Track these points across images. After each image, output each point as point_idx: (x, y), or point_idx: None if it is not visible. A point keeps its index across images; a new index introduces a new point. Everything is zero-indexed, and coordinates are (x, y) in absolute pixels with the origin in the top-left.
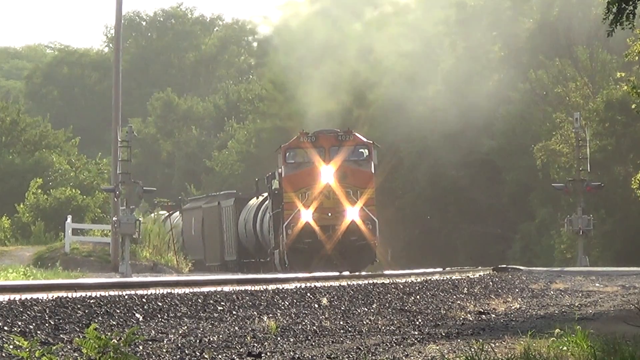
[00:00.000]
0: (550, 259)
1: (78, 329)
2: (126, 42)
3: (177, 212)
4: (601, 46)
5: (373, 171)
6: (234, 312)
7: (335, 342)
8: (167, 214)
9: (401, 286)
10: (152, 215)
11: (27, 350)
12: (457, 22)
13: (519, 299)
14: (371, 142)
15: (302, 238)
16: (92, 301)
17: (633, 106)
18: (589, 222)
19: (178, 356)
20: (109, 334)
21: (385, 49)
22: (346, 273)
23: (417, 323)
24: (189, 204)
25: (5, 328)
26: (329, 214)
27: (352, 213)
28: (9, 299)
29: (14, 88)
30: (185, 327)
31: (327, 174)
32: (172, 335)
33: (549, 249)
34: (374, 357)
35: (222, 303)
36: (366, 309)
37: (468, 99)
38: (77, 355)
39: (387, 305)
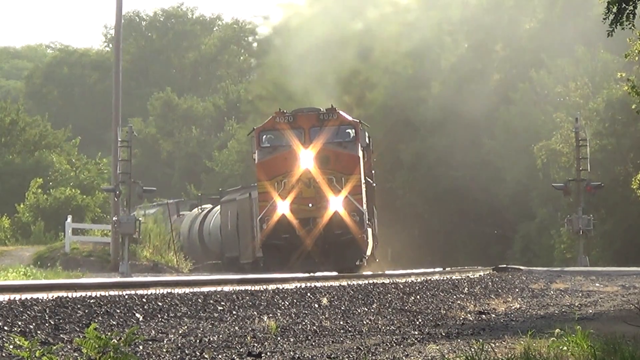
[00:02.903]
0: (550, 259)
1: (78, 329)
2: (126, 42)
3: (219, 206)
4: (602, 46)
5: (360, 155)
6: (234, 312)
7: (335, 342)
8: (211, 207)
9: (401, 286)
10: (196, 209)
11: (28, 350)
12: (459, 21)
13: (519, 299)
14: (358, 121)
15: (278, 233)
16: (92, 301)
17: (633, 106)
18: (589, 222)
19: (178, 356)
20: (109, 333)
21: (385, 48)
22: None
23: (417, 323)
24: (227, 196)
25: (6, 328)
26: (310, 205)
27: (336, 203)
28: (9, 299)
29: (14, 88)
30: (185, 327)
31: (306, 158)
32: (172, 335)
33: (549, 249)
34: (374, 357)
35: (222, 303)
36: (366, 309)
37: (468, 99)
38: (77, 355)
39: (387, 305)
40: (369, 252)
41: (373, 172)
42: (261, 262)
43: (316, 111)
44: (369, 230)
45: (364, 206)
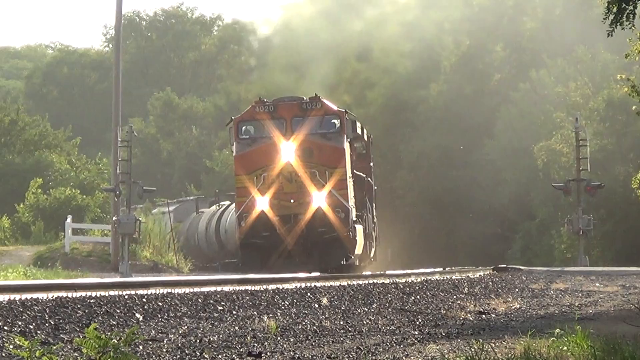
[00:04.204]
0: (550, 259)
1: (78, 329)
2: (126, 42)
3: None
4: (602, 46)
5: (345, 147)
6: (234, 312)
7: (335, 342)
8: (228, 204)
9: (401, 286)
10: (214, 206)
11: (28, 350)
12: (460, 21)
13: (519, 299)
14: (344, 110)
15: (256, 231)
16: (92, 301)
17: (633, 107)
18: (589, 222)
19: (178, 356)
20: (109, 333)
21: (385, 48)
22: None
23: (417, 323)
24: None
25: (6, 328)
26: (291, 201)
27: (319, 199)
28: (9, 299)
29: (14, 88)
30: (186, 327)
31: (287, 151)
32: (172, 335)
33: (549, 249)
34: (374, 357)
35: (222, 303)
36: (366, 309)
37: (469, 98)
38: (77, 355)
39: (387, 305)
40: (358, 251)
41: (371, 164)
42: (239, 262)
43: (298, 100)
44: (358, 228)
45: (350, 202)
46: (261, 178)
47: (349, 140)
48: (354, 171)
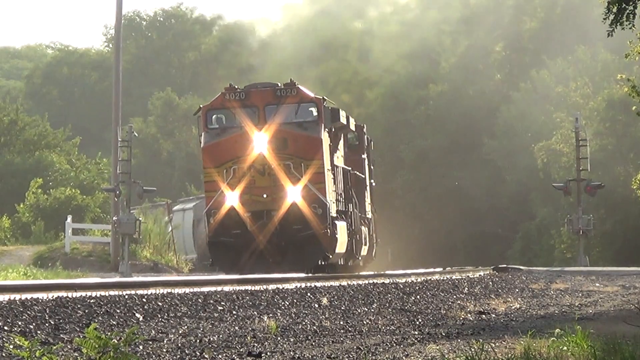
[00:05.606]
0: (550, 259)
1: (78, 329)
2: (126, 42)
3: None
4: (602, 46)
5: (323, 137)
6: (234, 312)
7: (336, 342)
8: None
9: (401, 286)
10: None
11: (28, 350)
12: (460, 21)
13: (519, 299)
14: (321, 97)
15: (226, 228)
16: (92, 301)
17: (634, 108)
18: (589, 222)
19: (178, 356)
20: (109, 333)
21: (385, 48)
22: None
23: (417, 323)
24: None
25: (6, 328)
26: (264, 195)
27: (294, 193)
28: (9, 299)
29: (14, 88)
30: (186, 327)
31: (260, 141)
32: (172, 335)
33: (549, 249)
34: (374, 357)
35: (222, 303)
36: (366, 309)
37: (469, 98)
38: (77, 355)
39: (387, 305)
40: (341, 250)
41: (364, 156)
42: (209, 262)
43: (272, 87)
44: (340, 225)
45: (329, 196)
46: (231, 171)
47: (327, 129)
48: (336, 164)
